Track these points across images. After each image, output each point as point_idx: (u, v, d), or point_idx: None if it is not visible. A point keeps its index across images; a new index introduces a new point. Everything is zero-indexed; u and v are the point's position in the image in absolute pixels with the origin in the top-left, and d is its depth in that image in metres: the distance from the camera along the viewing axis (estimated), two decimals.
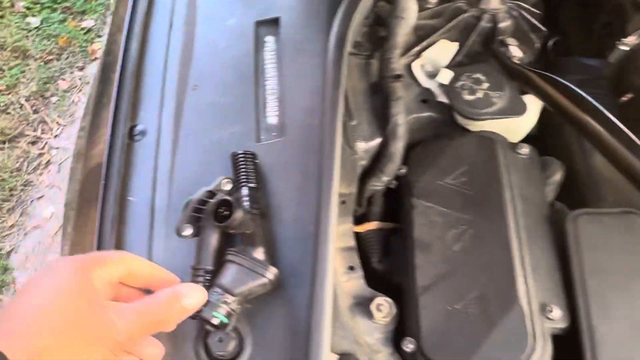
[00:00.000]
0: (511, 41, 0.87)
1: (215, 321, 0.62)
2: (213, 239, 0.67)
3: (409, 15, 0.84)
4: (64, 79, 2.62)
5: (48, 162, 2.38)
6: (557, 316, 0.66)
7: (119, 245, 0.73)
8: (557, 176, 0.79)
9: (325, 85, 0.74)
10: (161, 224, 0.74)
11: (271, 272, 0.65)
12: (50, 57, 2.68)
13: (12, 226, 2.22)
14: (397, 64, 0.82)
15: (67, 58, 2.68)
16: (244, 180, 0.71)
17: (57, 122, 2.49)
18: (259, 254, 0.67)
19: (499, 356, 0.64)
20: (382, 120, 0.81)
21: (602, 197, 0.81)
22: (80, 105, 2.53)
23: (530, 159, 0.78)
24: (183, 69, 0.85)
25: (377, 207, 0.84)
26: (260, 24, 0.86)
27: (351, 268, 0.74)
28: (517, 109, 0.79)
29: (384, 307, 0.70)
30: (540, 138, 0.89)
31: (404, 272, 0.74)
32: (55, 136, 2.46)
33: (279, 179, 0.74)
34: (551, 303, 0.66)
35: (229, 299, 0.63)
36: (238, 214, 0.64)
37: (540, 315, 0.66)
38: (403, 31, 0.84)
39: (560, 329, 0.66)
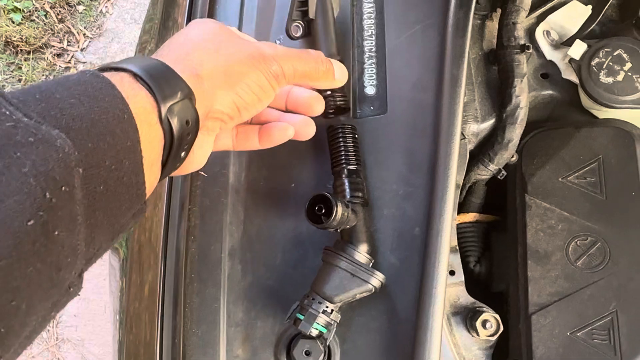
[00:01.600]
0: None
1: (314, 333, 0.54)
2: None
3: None
4: None
5: None
6: None
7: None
8: None
9: (444, 55, 0.61)
10: (234, 203, 0.64)
11: (377, 279, 0.56)
12: None
13: None
14: (523, 30, 0.68)
15: None
16: (343, 161, 0.60)
17: (84, 34, 2.33)
18: (362, 254, 0.57)
19: None
20: (497, 97, 0.69)
21: None
22: (108, 17, 2.37)
23: None
24: (262, 16, 0.71)
25: (477, 199, 0.73)
26: None
27: (452, 272, 0.64)
28: None
29: (491, 324, 0.61)
30: None
31: (511, 282, 0.65)
32: (82, 49, 2.31)
33: (379, 165, 0.63)
34: None
35: (329, 307, 0.55)
36: (338, 212, 0.54)
37: None
38: None
39: None
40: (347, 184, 0.59)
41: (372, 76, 0.66)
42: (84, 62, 2.29)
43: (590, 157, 0.66)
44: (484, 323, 0.61)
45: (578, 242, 0.63)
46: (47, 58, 2.27)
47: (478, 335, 0.61)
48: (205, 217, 0.64)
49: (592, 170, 0.65)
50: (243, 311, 0.60)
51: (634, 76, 0.66)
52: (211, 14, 0.72)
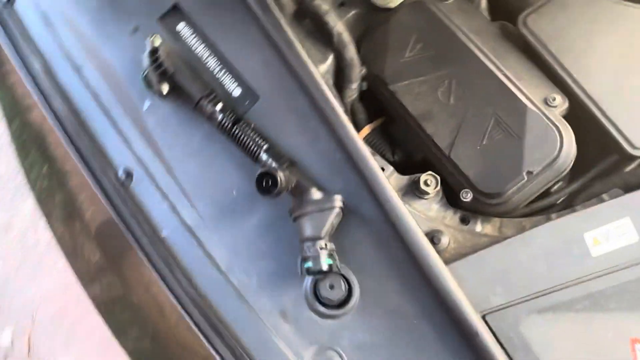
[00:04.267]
0: None
1: (325, 267, 0.65)
2: None
3: None
4: None
5: None
6: (559, 101, 0.76)
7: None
8: (484, 1, 0.87)
9: (270, 36, 0.76)
10: (206, 235, 0.74)
11: (338, 200, 0.69)
12: None
13: None
14: None
15: None
16: (255, 147, 0.72)
17: None
18: (315, 194, 0.70)
19: (539, 156, 0.73)
20: (322, 38, 0.84)
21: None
22: None
23: None
24: (121, 95, 0.81)
25: (362, 114, 0.88)
26: (162, 18, 0.84)
27: (382, 169, 0.79)
28: None
29: (430, 180, 0.76)
30: None
31: (423, 146, 0.81)
32: None
33: (281, 132, 0.75)
34: (549, 94, 0.76)
35: (322, 242, 0.67)
36: (282, 176, 0.66)
37: (547, 107, 0.76)
38: None
39: (565, 110, 0.77)
40: (270, 158, 0.71)
41: (231, 81, 0.79)
42: None
43: (410, 34, 0.84)
44: (425, 182, 0.76)
45: (442, 89, 0.80)
46: None
47: (429, 194, 0.76)
48: (190, 257, 0.74)
49: (416, 40, 0.83)
50: (268, 297, 0.71)
51: None
52: (79, 122, 0.81)
